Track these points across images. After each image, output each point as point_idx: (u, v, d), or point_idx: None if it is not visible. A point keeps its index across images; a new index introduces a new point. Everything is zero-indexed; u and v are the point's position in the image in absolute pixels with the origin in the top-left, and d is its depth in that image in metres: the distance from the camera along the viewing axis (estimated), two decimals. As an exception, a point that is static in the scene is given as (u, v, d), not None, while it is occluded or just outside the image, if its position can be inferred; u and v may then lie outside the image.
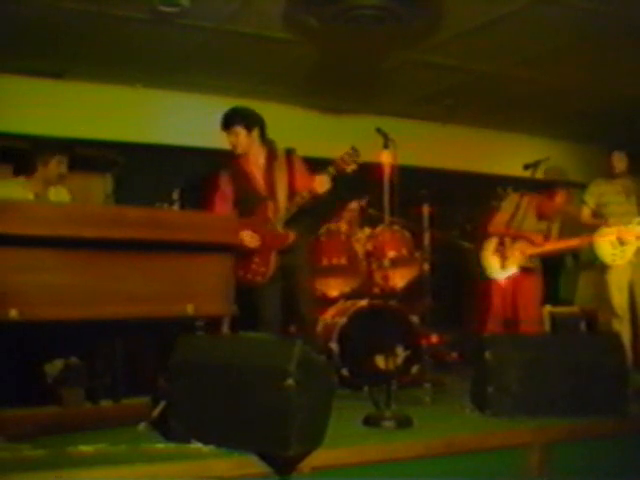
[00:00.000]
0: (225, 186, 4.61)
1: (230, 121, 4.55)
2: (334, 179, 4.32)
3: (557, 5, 4.87)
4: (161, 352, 3.46)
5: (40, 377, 3.42)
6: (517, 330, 5.49)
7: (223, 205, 4.56)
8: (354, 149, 4.32)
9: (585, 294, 7.97)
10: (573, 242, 5.46)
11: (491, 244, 5.60)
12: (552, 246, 5.52)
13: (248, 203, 4.52)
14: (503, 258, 5.50)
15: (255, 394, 2.97)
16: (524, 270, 5.49)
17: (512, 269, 5.46)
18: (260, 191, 4.57)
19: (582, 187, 6.00)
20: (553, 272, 8.25)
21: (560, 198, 5.58)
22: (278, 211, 4.50)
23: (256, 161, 4.61)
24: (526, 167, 5.47)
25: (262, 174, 4.60)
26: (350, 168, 4.33)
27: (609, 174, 5.66)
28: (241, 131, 4.53)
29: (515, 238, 5.51)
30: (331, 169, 4.32)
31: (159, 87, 6.65)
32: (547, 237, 5.58)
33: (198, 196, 6.29)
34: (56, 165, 4.38)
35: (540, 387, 3.86)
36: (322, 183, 4.29)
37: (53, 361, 3.47)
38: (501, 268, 5.51)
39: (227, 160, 4.63)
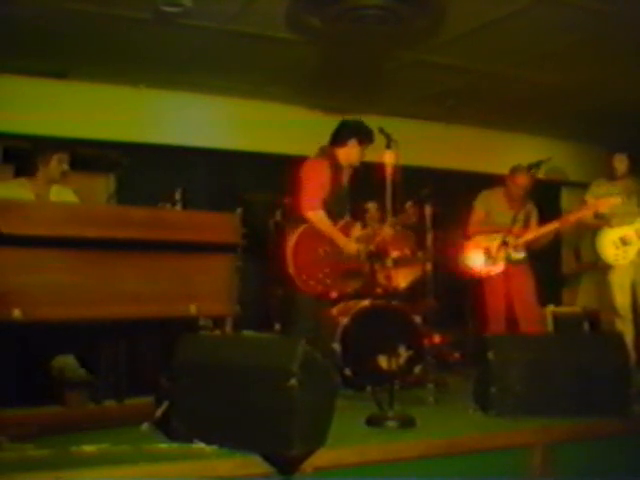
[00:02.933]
0: (324, 174, 4.60)
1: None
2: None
3: (559, 5, 4.87)
4: (164, 352, 3.46)
5: (43, 377, 3.42)
6: (519, 329, 5.48)
7: (319, 193, 4.54)
8: (412, 204, 4.59)
9: (587, 295, 7.98)
10: (554, 225, 5.46)
11: (480, 242, 5.60)
12: (534, 234, 5.50)
13: (331, 208, 4.59)
14: (490, 255, 5.50)
15: (258, 394, 2.97)
16: (513, 263, 5.49)
17: (500, 263, 5.46)
18: (347, 200, 4.73)
19: (583, 187, 6.00)
20: (555, 274, 8.28)
21: (521, 177, 5.57)
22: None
23: (347, 176, 4.75)
24: (529, 167, 5.48)
25: (348, 191, 4.75)
26: (412, 221, 4.67)
27: (610, 175, 5.66)
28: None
29: (496, 233, 5.51)
30: (397, 222, 4.55)
31: (162, 87, 6.65)
32: (526, 225, 5.57)
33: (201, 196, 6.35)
34: (57, 163, 4.34)
35: (543, 387, 3.86)
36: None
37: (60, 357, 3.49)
38: (490, 263, 5.51)
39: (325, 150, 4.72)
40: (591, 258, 5.95)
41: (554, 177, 7.82)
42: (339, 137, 4.67)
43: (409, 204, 4.62)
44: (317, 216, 4.49)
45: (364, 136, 4.64)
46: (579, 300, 8.23)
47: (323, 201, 4.51)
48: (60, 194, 4.41)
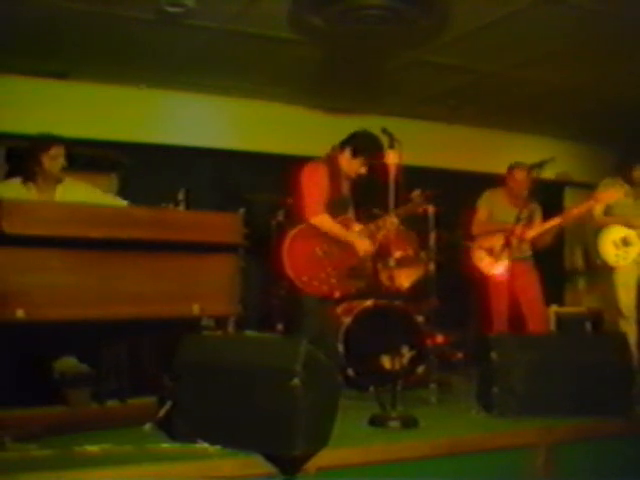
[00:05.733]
0: (322, 179, 4.57)
1: None
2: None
3: (561, 5, 4.86)
4: (166, 352, 3.46)
5: (46, 377, 3.42)
6: (523, 328, 5.48)
7: (321, 198, 4.52)
8: (420, 192, 4.58)
9: (592, 295, 7.96)
10: (556, 220, 5.44)
11: (484, 242, 5.60)
12: (536, 230, 5.49)
13: (334, 211, 4.59)
14: (494, 254, 5.50)
15: (261, 394, 2.98)
16: (517, 261, 5.50)
17: (504, 262, 5.46)
18: (349, 207, 4.71)
19: (587, 187, 5.98)
20: (558, 273, 8.27)
21: (518, 174, 5.56)
22: None
23: (347, 180, 4.73)
24: (531, 167, 5.47)
25: (349, 199, 4.75)
26: (421, 209, 4.62)
27: (629, 182, 5.57)
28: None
29: (498, 232, 5.52)
30: (401, 212, 4.48)
31: (164, 87, 6.65)
32: (530, 224, 5.56)
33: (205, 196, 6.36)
34: (50, 161, 4.22)
35: (546, 387, 3.86)
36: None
37: (62, 358, 3.48)
38: (494, 263, 5.51)
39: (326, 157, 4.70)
40: (594, 258, 5.90)
41: (557, 177, 7.81)
42: (342, 143, 4.65)
43: (416, 192, 4.58)
44: (321, 220, 4.47)
45: (359, 149, 4.56)
46: (585, 301, 8.20)
47: (325, 205, 4.49)
48: (65, 194, 4.33)
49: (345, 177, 4.65)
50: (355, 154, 4.56)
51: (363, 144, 4.56)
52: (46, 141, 4.32)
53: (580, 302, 8.14)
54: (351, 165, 4.59)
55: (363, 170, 4.60)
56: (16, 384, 3.30)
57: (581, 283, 8.45)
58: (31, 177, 4.23)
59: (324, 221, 4.48)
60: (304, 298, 4.43)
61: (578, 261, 8.45)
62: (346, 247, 4.55)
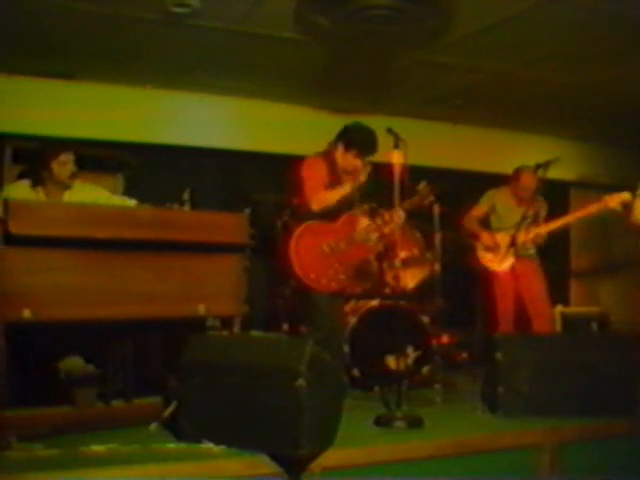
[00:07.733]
0: (321, 172, 4.54)
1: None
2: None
3: (567, 5, 4.85)
4: (172, 352, 3.47)
5: (52, 377, 3.43)
6: (529, 328, 5.47)
7: (320, 186, 4.48)
8: (426, 184, 4.48)
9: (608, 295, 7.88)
10: (564, 220, 5.43)
11: (489, 239, 5.59)
12: (543, 229, 5.45)
13: (338, 206, 4.54)
14: (499, 252, 5.50)
15: (266, 394, 2.98)
16: (522, 259, 5.49)
17: (509, 260, 5.46)
18: (352, 199, 4.61)
19: (592, 187, 5.96)
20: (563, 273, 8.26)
21: (525, 178, 5.56)
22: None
23: (346, 175, 4.67)
24: (537, 167, 5.46)
25: (355, 193, 4.69)
26: (428, 201, 4.50)
27: None
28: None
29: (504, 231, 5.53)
30: (407, 204, 4.41)
31: (170, 88, 6.65)
32: (535, 222, 5.55)
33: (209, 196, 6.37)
34: (60, 167, 4.20)
35: (551, 387, 3.86)
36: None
37: (68, 358, 3.49)
38: (499, 261, 5.50)
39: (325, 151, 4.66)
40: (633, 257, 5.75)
41: (562, 177, 7.78)
42: (335, 138, 4.63)
43: (422, 184, 4.54)
44: (319, 199, 4.44)
45: (350, 142, 4.52)
46: (593, 301, 8.14)
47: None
48: (73, 197, 4.33)
49: (343, 172, 4.62)
50: (347, 148, 4.52)
51: (354, 137, 4.53)
52: (55, 147, 4.32)
53: (594, 302, 8.09)
54: (345, 159, 4.54)
55: (358, 163, 4.56)
56: (22, 384, 3.31)
57: (594, 282, 8.39)
58: (40, 182, 4.22)
59: (320, 197, 4.43)
60: (314, 296, 4.40)
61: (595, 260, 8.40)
62: (353, 242, 4.54)
